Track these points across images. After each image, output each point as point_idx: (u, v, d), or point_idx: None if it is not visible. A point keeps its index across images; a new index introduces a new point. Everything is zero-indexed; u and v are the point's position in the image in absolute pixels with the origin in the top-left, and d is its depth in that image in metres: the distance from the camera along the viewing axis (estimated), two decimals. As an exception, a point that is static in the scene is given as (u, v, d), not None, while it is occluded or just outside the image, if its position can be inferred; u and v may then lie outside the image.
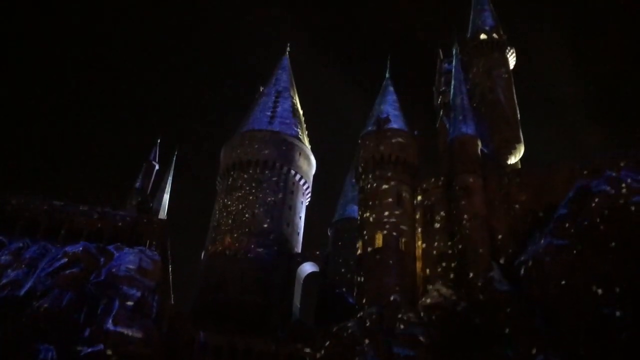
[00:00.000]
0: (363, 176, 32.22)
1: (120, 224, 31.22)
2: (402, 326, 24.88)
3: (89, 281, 26.27)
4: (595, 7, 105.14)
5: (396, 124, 33.34)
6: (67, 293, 25.46)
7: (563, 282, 22.79)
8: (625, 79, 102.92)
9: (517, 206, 28.42)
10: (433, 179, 31.14)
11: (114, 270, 26.55)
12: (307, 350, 27.68)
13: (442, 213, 29.62)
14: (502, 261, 26.64)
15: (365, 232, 29.76)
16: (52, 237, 29.83)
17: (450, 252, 28.13)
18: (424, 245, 29.23)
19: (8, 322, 24.02)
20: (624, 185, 23.44)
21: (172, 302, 33.63)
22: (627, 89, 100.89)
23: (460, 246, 27.57)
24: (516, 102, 40.16)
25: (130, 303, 25.26)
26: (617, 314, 20.54)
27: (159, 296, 26.82)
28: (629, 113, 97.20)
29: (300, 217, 44.08)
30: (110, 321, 24.32)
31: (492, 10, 45.85)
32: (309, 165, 46.58)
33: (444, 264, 27.88)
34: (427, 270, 28.23)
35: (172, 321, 27.50)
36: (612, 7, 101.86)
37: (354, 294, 29.55)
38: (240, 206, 40.91)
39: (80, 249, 27.68)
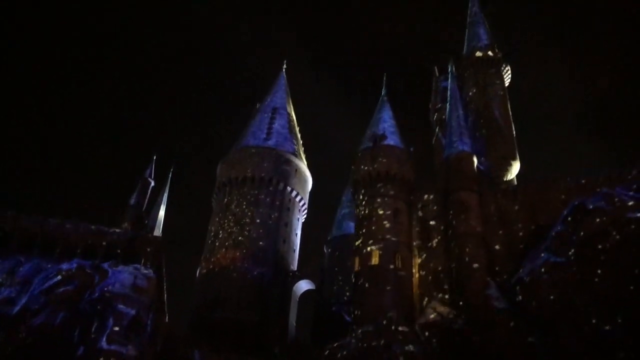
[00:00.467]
0: (359, 193, 32.22)
1: (115, 241, 31.00)
2: (399, 344, 24.69)
3: (83, 299, 26.02)
4: (590, 22, 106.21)
5: (392, 140, 33.43)
6: (60, 311, 25.22)
7: (560, 300, 22.69)
8: (621, 94, 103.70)
9: (513, 223, 28.42)
10: (429, 196, 31.12)
11: (108, 288, 26.31)
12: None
13: (439, 230, 29.58)
14: (499, 278, 26.56)
15: (361, 249, 29.67)
16: (47, 254, 29.59)
17: (447, 269, 28.03)
18: (420, 262, 29.14)
19: (1, 340, 23.76)
20: (620, 201, 23.46)
21: (167, 320, 33.33)
22: (623, 105, 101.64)
23: (457, 263, 27.48)
24: (512, 118, 40.43)
25: (124, 321, 25.01)
26: (615, 331, 20.44)
27: (153, 314, 26.58)
28: (624, 129, 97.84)
29: (296, 234, 43.93)
30: (104, 339, 24.06)
31: (487, 28, 46.34)
32: (306, 181, 46.55)
33: (441, 281, 27.77)
34: (424, 288, 28.12)
35: (167, 340, 27.27)
36: (608, 22, 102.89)
37: (351, 311, 29.38)
38: (236, 223, 40.75)
39: (75, 266, 27.47)
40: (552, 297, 22.94)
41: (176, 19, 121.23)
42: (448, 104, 35.66)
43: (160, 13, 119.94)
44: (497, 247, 27.89)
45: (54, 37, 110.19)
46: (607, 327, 20.58)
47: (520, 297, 24.47)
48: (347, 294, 36.26)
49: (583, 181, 28.02)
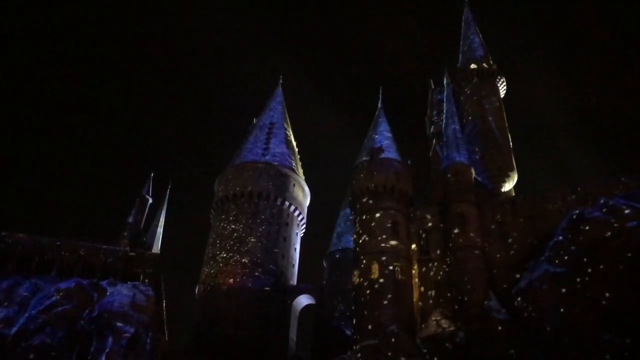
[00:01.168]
0: (357, 206, 32.17)
1: (113, 259, 30.99)
2: (400, 358, 24.56)
3: (81, 318, 25.95)
4: (585, 33, 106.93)
5: (389, 153, 33.43)
6: (59, 330, 25.14)
7: (561, 310, 22.64)
8: (617, 104, 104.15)
9: (512, 234, 28.39)
10: (428, 208, 31.13)
11: (107, 306, 26.25)
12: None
13: (438, 242, 29.56)
14: (499, 290, 26.50)
15: (360, 263, 29.57)
16: (44, 274, 29.55)
17: (447, 281, 27.97)
18: (420, 275, 29.05)
19: (-1, 361, 23.65)
20: (617, 211, 23.49)
21: (167, 338, 33.16)
22: (619, 115, 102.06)
23: (456, 275, 27.45)
24: (508, 130, 40.52)
25: (123, 339, 24.90)
26: (616, 341, 20.37)
27: (152, 332, 26.48)
28: (621, 139, 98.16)
29: (295, 249, 43.85)
30: (103, 358, 23.97)
31: (482, 40, 46.59)
32: (304, 196, 46.55)
33: (441, 294, 27.70)
34: (425, 300, 28.03)
35: (166, 358, 27.10)
36: (603, 32, 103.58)
37: (351, 326, 29.23)
38: (235, 238, 40.68)
39: (73, 285, 27.43)
40: (552, 307, 22.89)
41: (171, 38, 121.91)
42: (444, 116, 35.77)
43: (155, 31, 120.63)
44: (496, 258, 27.86)
45: (52, 54, 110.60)
46: (609, 337, 20.51)
47: (520, 308, 24.40)
48: (347, 308, 36.09)
49: (580, 190, 28.03)
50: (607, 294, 21.61)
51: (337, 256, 41.17)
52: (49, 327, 25.21)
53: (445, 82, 39.17)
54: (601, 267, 22.36)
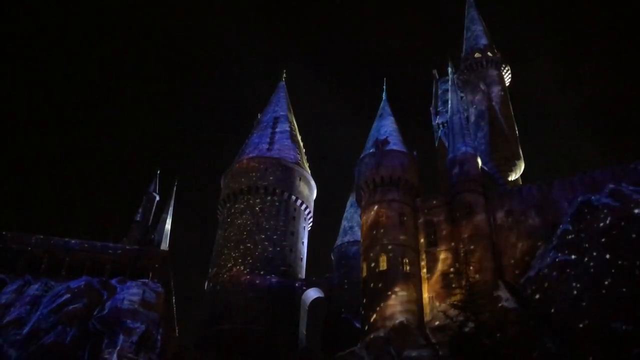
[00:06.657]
0: (364, 198, 32.13)
1: (122, 257, 31.11)
2: (410, 349, 24.58)
3: (92, 316, 26.06)
4: (590, 20, 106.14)
5: (395, 145, 33.34)
6: (71, 329, 25.27)
7: (570, 298, 22.55)
8: (622, 92, 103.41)
9: (520, 223, 28.30)
10: (435, 199, 31.04)
11: (117, 304, 26.34)
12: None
13: (446, 232, 29.47)
14: (508, 279, 26.44)
15: (368, 255, 29.56)
16: (54, 273, 29.74)
17: (455, 271, 27.90)
18: (428, 265, 29.00)
19: (12, 361, 23.80)
20: (625, 197, 23.36)
21: (177, 334, 33.31)
22: (624, 102, 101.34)
23: (465, 265, 27.35)
24: (514, 118, 40.34)
25: (134, 337, 25.01)
26: (627, 328, 20.25)
27: (163, 329, 26.55)
28: (628, 127, 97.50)
29: (303, 243, 43.83)
30: (115, 356, 24.07)
31: (485, 29, 46.32)
32: (310, 189, 46.49)
33: (449, 284, 27.63)
34: (433, 291, 28.00)
35: (177, 354, 27.19)
36: (608, 18, 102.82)
37: (360, 318, 29.27)
38: (242, 234, 40.73)
39: (83, 284, 27.53)
40: (561, 295, 22.81)
41: (175, 35, 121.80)
42: (449, 106, 35.61)
43: (159, 29, 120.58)
44: (504, 247, 27.78)
45: (58, 54, 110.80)
46: (619, 324, 20.41)
47: (530, 297, 24.34)
48: (356, 300, 36.11)
49: (587, 178, 27.88)
50: (616, 281, 21.50)
51: (345, 249, 41.10)
52: (61, 326, 25.33)
53: (449, 71, 38.97)
54: (610, 253, 22.25)
